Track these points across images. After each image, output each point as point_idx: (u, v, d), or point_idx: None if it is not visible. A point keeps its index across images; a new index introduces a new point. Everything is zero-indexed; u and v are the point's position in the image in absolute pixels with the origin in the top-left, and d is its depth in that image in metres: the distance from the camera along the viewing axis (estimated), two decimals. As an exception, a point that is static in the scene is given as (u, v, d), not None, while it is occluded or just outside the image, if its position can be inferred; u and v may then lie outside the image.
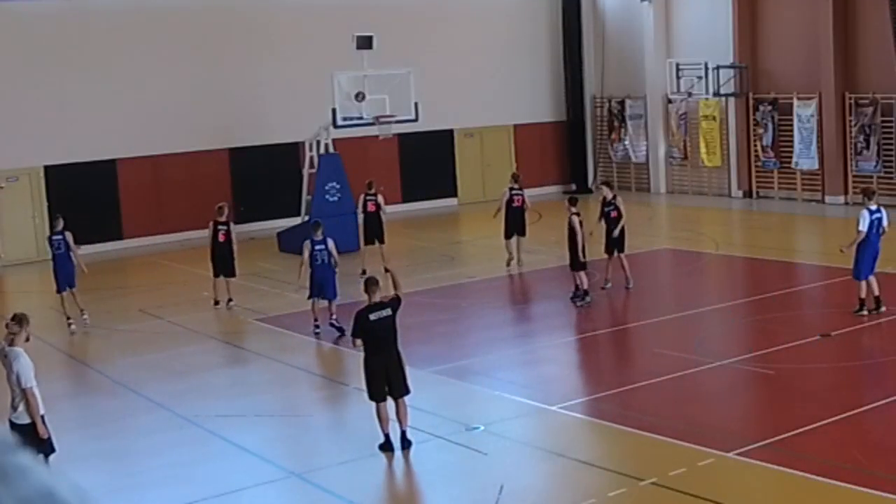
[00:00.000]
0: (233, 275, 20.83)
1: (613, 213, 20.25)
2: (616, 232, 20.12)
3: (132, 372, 16.53)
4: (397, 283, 12.72)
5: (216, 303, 20.75)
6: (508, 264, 22.85)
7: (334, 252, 17.92)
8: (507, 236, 22.98)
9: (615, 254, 20.24)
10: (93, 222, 28.62)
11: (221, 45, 30.08)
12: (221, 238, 20.74)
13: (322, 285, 17.86)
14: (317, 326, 18.00)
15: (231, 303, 20.63)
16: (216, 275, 20.80)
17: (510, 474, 11.49)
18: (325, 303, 17.94)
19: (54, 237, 19.84)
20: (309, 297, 18.09)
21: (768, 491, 10.70)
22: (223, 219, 20.81)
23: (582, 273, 19.16)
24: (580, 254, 19.06)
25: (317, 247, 17.90)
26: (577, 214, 19.38)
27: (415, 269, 23.20)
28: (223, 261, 20.72)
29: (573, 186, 36.21)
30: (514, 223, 22.98)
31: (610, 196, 20.49)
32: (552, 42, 36.01)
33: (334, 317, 17.65)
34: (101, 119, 28.50)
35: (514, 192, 23.14)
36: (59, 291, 19.66)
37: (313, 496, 11.34)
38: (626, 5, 34.61)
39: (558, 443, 12.38)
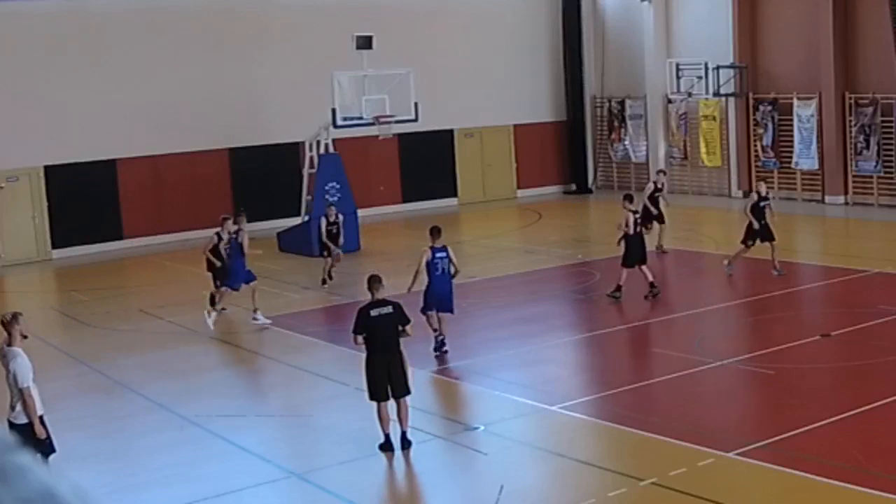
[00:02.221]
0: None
1: (768, 208, 21.07)
2: (768, 223, 20.99)
3: (132, 372, 16.53)
4: None
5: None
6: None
7: (455, 260, 16.07)
8: (650, 224, 23.77)
9: (759, 243, 20.84)
10: (93, 222, 28.66)
11: (221, 44, 30.08)
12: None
13: (441, 297, 16.00)
14: (441, 342, 16.14)
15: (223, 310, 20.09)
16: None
17: (510, 474, 11.49)
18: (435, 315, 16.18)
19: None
20: (424, 310, 16.03)
21: (768, 491, 10.70)
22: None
23: (627, 271, 19.25)
24: (638, 250, 19.36)
25: (437, 254, 15.93)
26: (635, 212, 19.64)
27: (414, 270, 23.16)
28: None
29: (573, 186, 36.26)
30: (657, 215, 24.04)
31: (764, 192, 21.28)
32: (552, 42, 36.01)
33: (443, 336, 16.11)
34: (101, 119, 28.50)
35: (658, 184, 24.39)
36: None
37: (313, 496, 11.34)
38: (626, 5, 34.61)
39: (558, 443, 12.38)
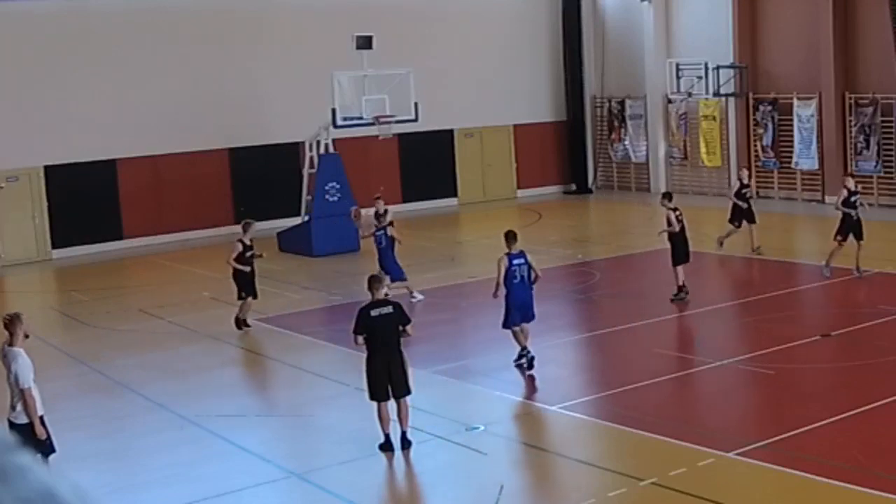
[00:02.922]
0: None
1: (858, 204, 20.54)
2: (860, 220, 20.38)
3: (132, 372, 16.53)
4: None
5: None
6: (722, 245, 23.32)
7: (535, 266, 15.07)
8: (738, 223, 23.20)
9: (850, 239, 20.24)
10: (93, 222, 28.66)
11: (221, 44, 30.08)
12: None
13: (524, 306, 14.97)
14: (525, 358, 15.02)
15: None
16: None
17: (510, 474, 11.49)
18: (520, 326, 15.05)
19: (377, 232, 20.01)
20: (506, 326, 15.03)
21: (768, 491, 10.70)
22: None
23: (680, 268, 19.01)
24: (682, 249, 19.09)
25: (514, 261, 14.83)
26: (675, 210, 19.33)
27: (415, 269, 23.18)
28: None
29: (573, 186, 36.26)
30: (747, 212, 23.24)
31: (853, 186, 20.79)
32: (552, 42, 36.01)
33: (529, 353, 15.07)
34: (101, 119, 28.50)
35: (744, 183, 23.57)
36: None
37: (313, 496, 11.34)
38: (626, 5, 34.62)
39: (558, 443, 12.38)
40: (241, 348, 18.25)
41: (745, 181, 23.68)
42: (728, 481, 10.99)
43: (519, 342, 15.00)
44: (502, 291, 14.81)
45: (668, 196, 19.87)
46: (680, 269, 19.04)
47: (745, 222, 23.09)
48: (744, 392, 14.38)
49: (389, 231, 19.97)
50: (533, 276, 14.98)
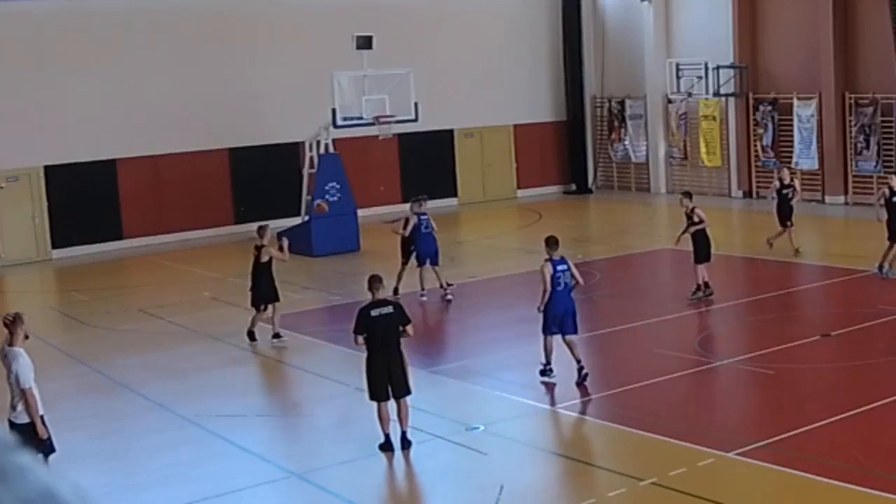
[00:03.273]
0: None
1: None
2: None
3: (132, 372, 16.53)
4: None
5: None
6: (771, 246, 23.05)
7: (577, 274, 14.49)
8: (783, 224, 23.00)
9: (891, 243, 19.92)
10: (93, 222, 28.66)
11: (221, 45, 30.08)
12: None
13: (566, 315, 14.27)
14: (584, 374, 14.22)
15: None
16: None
17: (510, 474, 11.49)
18: (556, 337, 14.33)
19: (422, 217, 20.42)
20: (546, 333, 14.37)
21: (768, 491, 10.70)
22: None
23: (702, 267, 18.90)
24: (705, 247, 18.94)
25: (558, 267, 14.14)
26: (696, 208, 19.21)
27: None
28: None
29: (573, 186, 36.26)
30: (789, 211, 23.05)
31: None
32: (552, 42, 36.01)
33: (581, 363, 14.26)
34: (101, 119, 28.50)
35: (785, 183, 23.34)
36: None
37: (313, 496, 11.34)
38: (626, 5, 34.61)
39: (558, 443, 12.39)
40: (241, 348, 18.25)
41: (787, 181, 23.49)
42: (728, 481, 11.00)
43: (546, 356, 14.38)
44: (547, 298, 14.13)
45: (688, 195, 19.70)
46: (701, 267, 18.98)
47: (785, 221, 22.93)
48: (744, 392, 14.39)
49: (430, 223, 20.41)
50: (574, 282, 14.39)
